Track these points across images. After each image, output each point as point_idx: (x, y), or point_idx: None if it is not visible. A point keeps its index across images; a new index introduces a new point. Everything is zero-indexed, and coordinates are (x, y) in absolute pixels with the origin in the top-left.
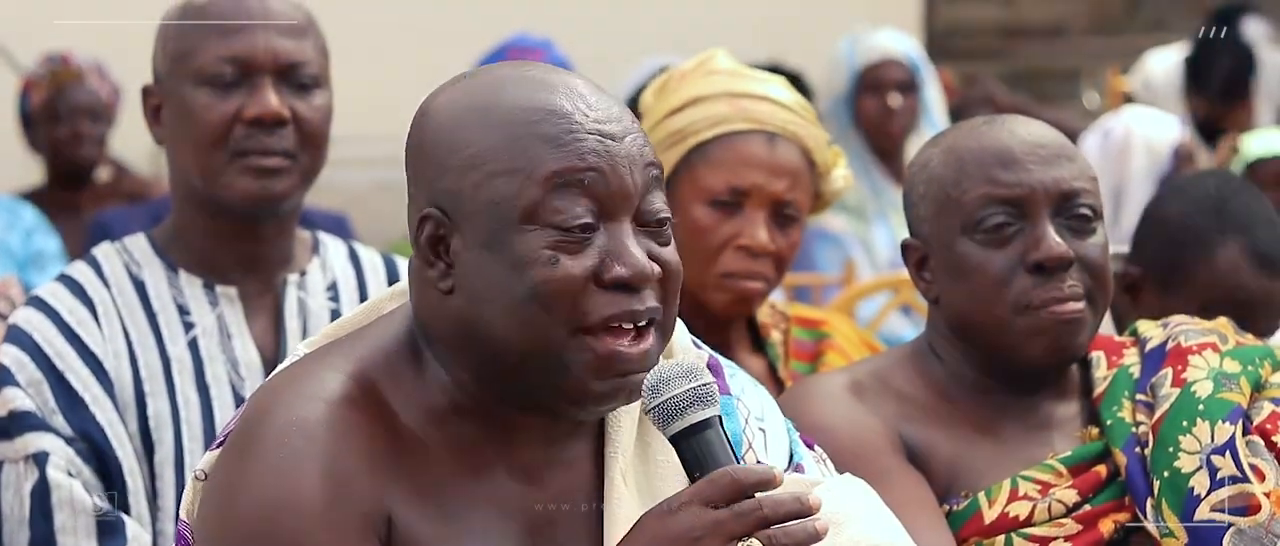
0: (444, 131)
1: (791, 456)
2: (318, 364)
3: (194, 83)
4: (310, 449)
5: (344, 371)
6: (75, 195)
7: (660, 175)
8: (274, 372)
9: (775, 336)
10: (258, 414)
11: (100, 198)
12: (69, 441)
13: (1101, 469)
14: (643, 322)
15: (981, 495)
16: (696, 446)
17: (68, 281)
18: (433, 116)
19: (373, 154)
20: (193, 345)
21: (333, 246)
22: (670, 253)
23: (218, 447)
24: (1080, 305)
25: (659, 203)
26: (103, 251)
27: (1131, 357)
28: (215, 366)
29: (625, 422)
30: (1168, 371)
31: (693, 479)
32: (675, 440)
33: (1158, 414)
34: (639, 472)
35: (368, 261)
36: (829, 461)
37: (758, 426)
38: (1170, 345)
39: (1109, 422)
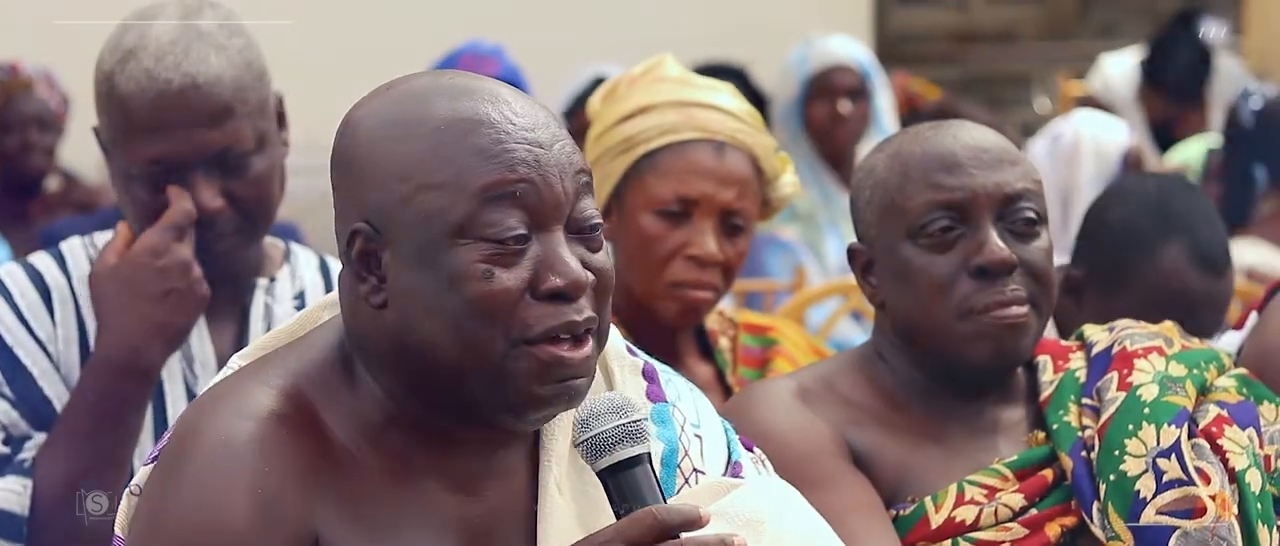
0: (370, 144)
1: (730, 457)
2: (250, 379)
3: (127, 175)
4: (237, 468)
5: (275, 387)
6: (25, 205)
7: (590, 181)
8: (208, 386)
9: (723, 343)
10: (187, 431)
11: (50, 207)
12: (14, 405)
13: (1048, 473)
14: (581, 332)
15: (928, 499)
16: (624, 483)
17: (26, 266)
18: (358, 128)
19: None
20: None
21: (304, 256)
22: (601, 258)
23: (151, 463)
24: (1023, 310)
25: (589, 209)
26: (69, 245)
27: (1077, 361)
28: (170, 362)
29: (560, 432)
30: (1114, 375)
31: (619, 515)
32: (603, 475)
33: (1104, 417)
34: (574, 481)
35: (337, 273)
36: (768, 463)
37: (694, 433)
38: (1116, 349)
39: (1055, 426)
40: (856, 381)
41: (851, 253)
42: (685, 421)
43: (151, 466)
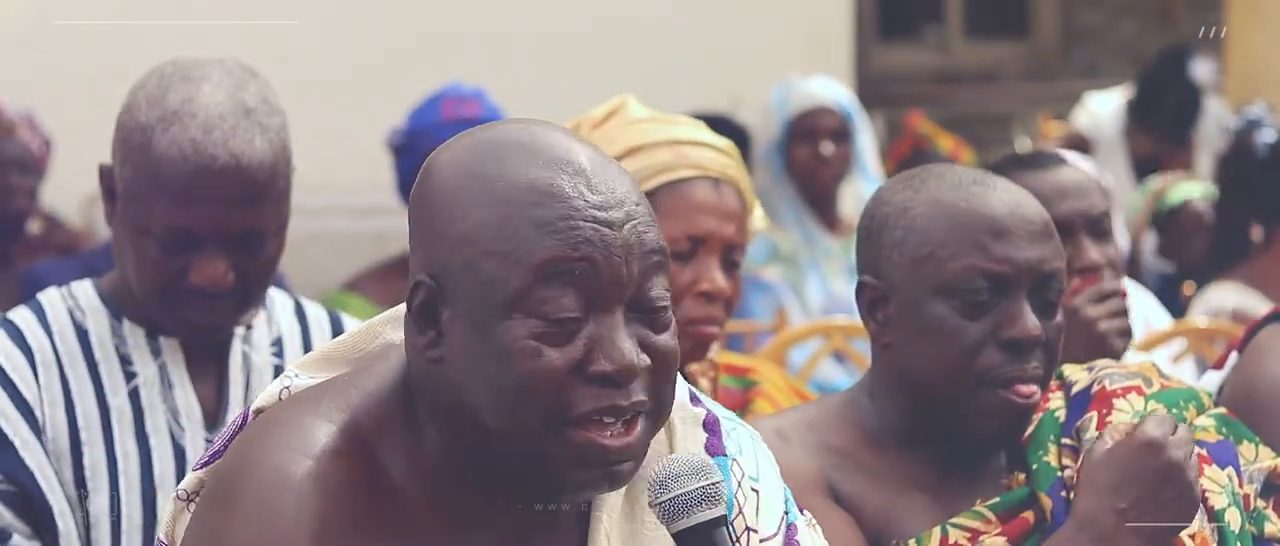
0: (443, 196)
1: (786, 515)
2: (309, 411)
3: (142, 231)
4: (299, 506)
5: (335, 421)
6: (6, 248)
7: (663, 261)
8: (266, 410)
9: (703, 384)
10: (246, 461)
11: (32, 250)
12: None
13: (1029, 514)
14: (628, 416)
15: (912, 542)
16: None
17: (8, 326)
18: (436, 176)
19: (307, 204)
20: (133, 394)
21: (279, 301)
22: (665, 339)
23: (203, 468)
24: (1036, 390)
25: (658, 289)
26: (48, 297)
27: (1057, 402)
28: (155, 416)
29: None
30: (1093, 415)
31: None
32: (680, 537)
33: (1083, 457)
34: (625, 534)
35: (313, 317)
36: (818, 528)
37: (751, 487)
38: (1095, 388)
39: (1034, 466)
40: (838, 427)
41: (862, 287)
42: (743, 476)
43: (203, 474)
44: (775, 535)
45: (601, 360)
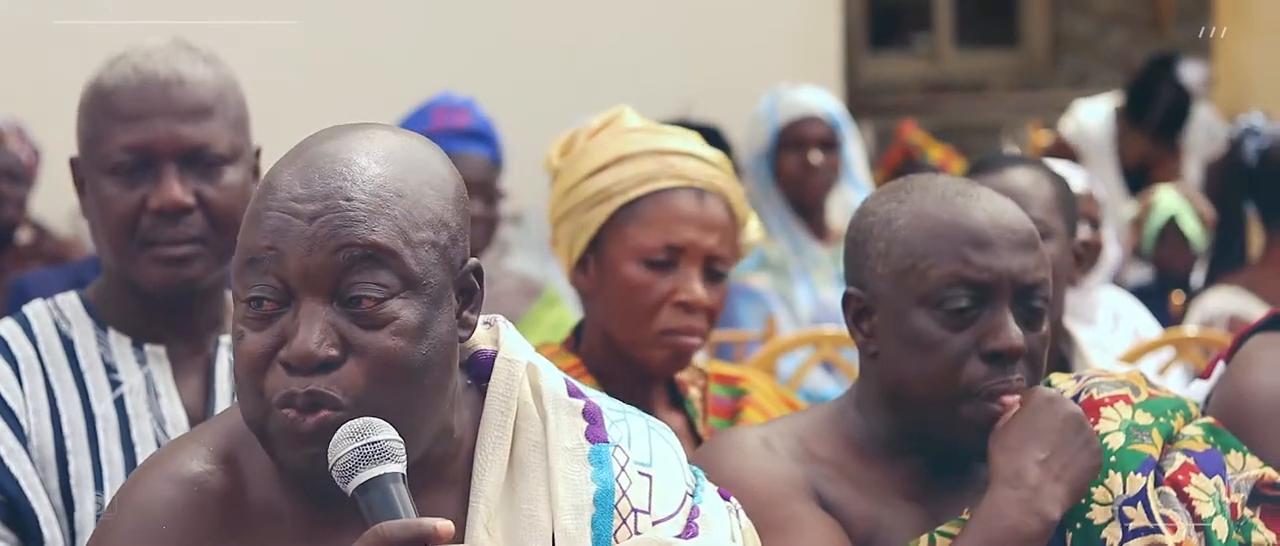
0: None
1: (692, 498)
2: (191, 439)
3: (101, 170)
4: (147, 532)
5: (208, 445)
6: None
7: (374, 257)
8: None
9: (693, 393)
10: (124, 488)
11: (21, 259)
12: None
13: None
14: (304, 404)
15: None
16: (364, 505)
17: None
18: None
19: None
20: (119, 403)
21: None
22: (374, 337)
23: None
24: (1017, 399)
25: (364, 284)
26: (34, 309)
27: None
28: (141, 424)
29: (491, 474)
30: None
31: None
32: (353, 499)
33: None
34: (507, 522)
35: None
36: (742, 514)
37: (638, 471)
38: (1083, 397)
39: None
40: (825, 437)
41: (847, 298)
42: (629, 461)
43: None
44: (672, 516)
45: (284, 347)
